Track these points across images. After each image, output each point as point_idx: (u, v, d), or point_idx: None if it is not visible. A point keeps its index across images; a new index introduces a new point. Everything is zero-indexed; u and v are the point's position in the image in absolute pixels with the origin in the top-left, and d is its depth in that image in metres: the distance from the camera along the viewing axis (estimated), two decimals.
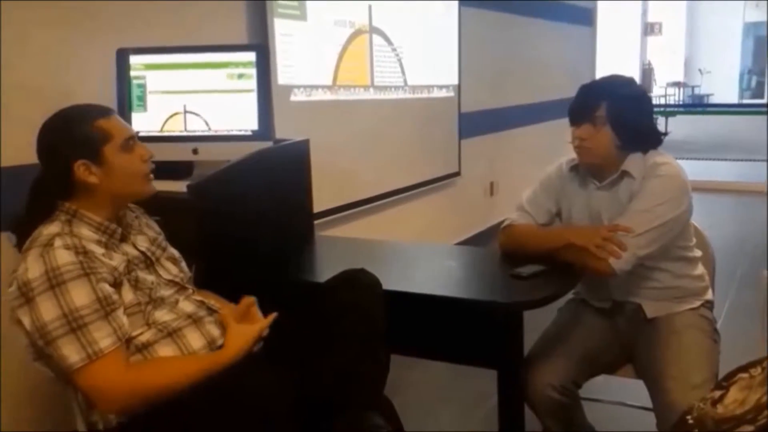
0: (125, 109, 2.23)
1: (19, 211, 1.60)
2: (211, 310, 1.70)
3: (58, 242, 1.47)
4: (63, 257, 1.45)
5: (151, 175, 1.66)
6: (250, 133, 2.23)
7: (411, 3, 4.04)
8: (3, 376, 2.08)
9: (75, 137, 1.56)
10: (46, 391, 2.13)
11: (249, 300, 1.77)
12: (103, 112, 1.63)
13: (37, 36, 2.13)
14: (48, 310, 1.43)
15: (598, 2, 7.62)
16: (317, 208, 2.68)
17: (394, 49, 3.93)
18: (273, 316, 1.70)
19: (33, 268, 1.45)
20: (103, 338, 1.46)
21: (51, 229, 1.51)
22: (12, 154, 2.04)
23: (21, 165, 2.02)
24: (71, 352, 1.44)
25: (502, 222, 2.17)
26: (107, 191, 1.59)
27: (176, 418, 1.47)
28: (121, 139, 1.60)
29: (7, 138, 2.04)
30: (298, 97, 3.22)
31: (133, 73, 2.26)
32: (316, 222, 2.72)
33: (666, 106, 13.20)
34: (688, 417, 1.26)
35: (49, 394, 2.14)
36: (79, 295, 1.44)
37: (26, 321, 1.47)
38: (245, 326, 1.67)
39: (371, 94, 3.77)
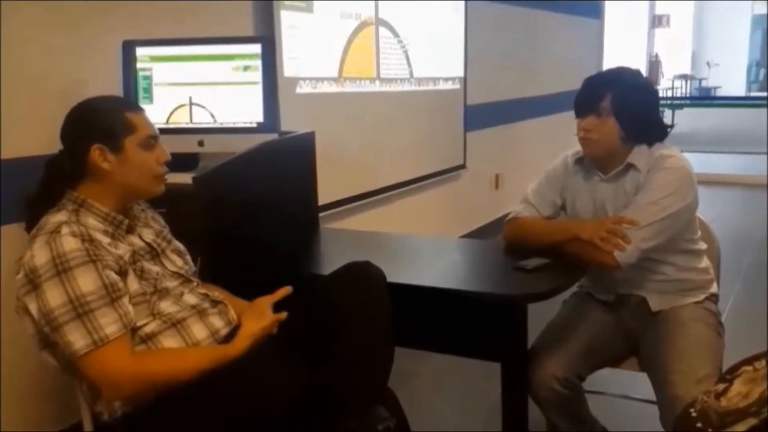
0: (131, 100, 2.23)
1: (29, 194, 1.61)
2: (214, 302, 1.71)
3: (64, 229, 1.48)
4: (69, 244, 1.46)
5: (165, 177, 1.68)
6: (255, 125, 2.24)
7: None
8: (3, 375, 2.09)
9: (99, 121, 1.59)
10: (46, 390, 2.15)
11: (265, 301, 1.76)
12: (134, 107, 1.69)
13: (41, 30, 2.13)
14: (54, 296, 1.44)
15: None
16: (322, 200, 2.68)
17: (400, 41, 3.92)
18: (283, 315, 1.70)
19: (39, 255, 1.46)
20: (109, 324, 1.46)
21: (58, 217, 1.53)
22: (12, 147, 2.04)
23: (21, 157, 2.04)
24: (77, 338, 1.45)
25: (507, 215, 2.17)
26: (117, 182, 1.60)
27: (181, 408, 1.48)
28: (144, 135, 1.62)
29: (9, 131, 2.04)
30: (303, 89, 3.22)
31: (139, 65, 2.27)
32: (321, 214, 2.73)
33: (673, 98, 13.13)
34: (692, 410, 1.26)
35: (49, 393, 2.15)
36: (86, 282, 1.45)
37: (33, 307, 1.48)
38: (256, 322, 1.68)
39: (377, 87, 3.77)
